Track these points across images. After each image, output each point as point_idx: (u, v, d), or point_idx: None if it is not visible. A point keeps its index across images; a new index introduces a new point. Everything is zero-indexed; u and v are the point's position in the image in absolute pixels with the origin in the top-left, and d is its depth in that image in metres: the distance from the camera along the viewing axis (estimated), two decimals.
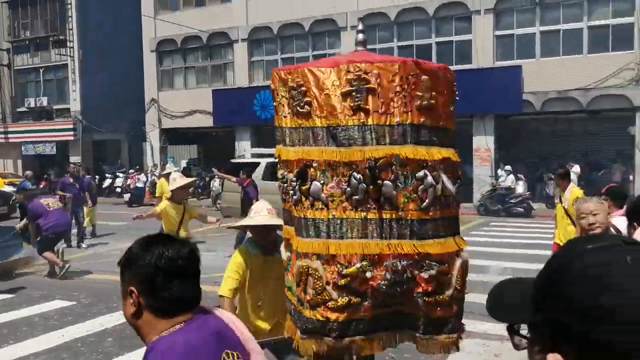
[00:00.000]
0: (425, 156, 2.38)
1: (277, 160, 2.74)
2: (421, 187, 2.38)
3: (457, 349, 2.56)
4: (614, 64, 16.26)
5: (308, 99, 2.45)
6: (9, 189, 18.52)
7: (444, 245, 2.44)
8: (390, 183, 2.35)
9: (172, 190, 6.58)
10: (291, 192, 2.54)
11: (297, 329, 2.54)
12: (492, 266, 8.41)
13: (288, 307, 2.71)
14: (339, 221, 2.39)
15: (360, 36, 2.67)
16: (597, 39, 16.87)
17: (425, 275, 2.38)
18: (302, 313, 2.48)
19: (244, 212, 10.61)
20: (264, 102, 20.68)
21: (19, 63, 27.68)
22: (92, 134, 25.80)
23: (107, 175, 24.17)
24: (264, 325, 3.41)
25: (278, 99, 2.63)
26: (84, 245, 11.92)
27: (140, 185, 21.69)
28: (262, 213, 3.38)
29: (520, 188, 16.46)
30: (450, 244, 2.47)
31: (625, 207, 5.78)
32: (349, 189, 2.37)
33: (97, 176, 21.78)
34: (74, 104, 25.87)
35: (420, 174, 2.38)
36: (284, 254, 2.74)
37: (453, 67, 2.62)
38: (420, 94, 2.38)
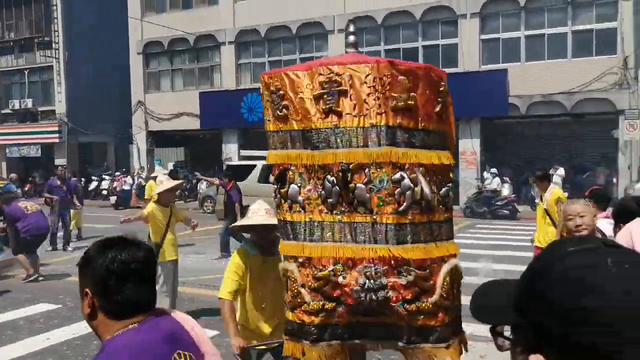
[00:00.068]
0: (401, 158, 2.30)
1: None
2: (398, 190, 2.30)
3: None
4: (598, 68, 16.49)
5: (285, 102, 2.46)
6: None
7: (425, 251, 2.33)
8: (363, 186, 2.30)
9: (159, 193, 6.55)
10: (272, 195, 2.59)
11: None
12: (480, 268, 8.47)
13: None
14: (315, 224, 2.39)
15: (352, 38, 2.61)
16: (581, 43, 17.09)
17: (402, 281, 2.29)
18: (286, 314, 2.53)
19: (227, 215, 10.59)
20: (251, 105, 20.64)
21: (3, 64, 27.32)
22: (77, 136, 25.53)
23: (93, 177, 23.94)
24: (265, 326, 3.36)
25: (264, 103, 2.64)
26: (69, 248, 11.80)
27: (126, 187, 21.50)
28: (259, 213, 3.33)
29: (506, 191, 16.61)
30: (432, 250, 2.36)
31: (609, 209, 5.88)
32: (324, 192, 2.37)
33: (82, 179, 21.56)
34: (60, 106, 25.59)
35: (397, 176, 2.31)
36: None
37: None
38: (395, 95, 2.29)
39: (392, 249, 2.29)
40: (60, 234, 11.89)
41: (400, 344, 2.39)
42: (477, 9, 18.01)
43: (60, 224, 11.99)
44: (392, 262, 2.28)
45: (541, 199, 7.01)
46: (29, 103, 26.13)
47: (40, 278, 8.90)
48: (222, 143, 22.12)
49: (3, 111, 27.07)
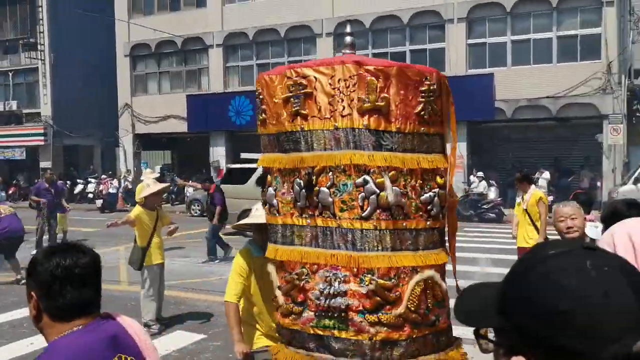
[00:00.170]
0: (366, 162, 2.20)
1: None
2: (361, 194, 2.20)
3: None
4: (582, 73, 16.70)
5: (263, 106, 2.48)
6: None
7: (390, 260, 2.20)
8: (326, 190, 2.24)
9: (145, 197, 6.51)
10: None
11: None
12: (470, 272, 8.52)
13: None
14: (287, 227, 2.39)
15: (348, 39, 2.57)
16: (565, 48, 17.31)
17: (363, 290, 2.18)
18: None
19: (211, 218, 10.56)
20: (238, 108, 20.60)
21: None
22: (63, 139, 25.26)
23: (78, 181, 23.70)
24: (269, 327, 3.31)
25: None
26: None
27: (113, 191, 21.32)
28: (260, 211, 3.34)
29: (492, 194, 16.75)
30: (400, 259, 2.22)
31: (592, 212, 5.96)
32: (293, 195, 2.36)
33: (68, 182, 21.33)
34: (45, 108, 25.31)
35: (360, 180, 2.21)
36: None
37: None
38: (362, 96, 2.20)
39: (353, 256, 2.19)
40: (45, 237, 11.75)
41: None
42: (464, 14, 18.17)
43: (46, 227, 11.85)
44: (354, 269, 2.19)
45: (522, 199, 7.14)
46: (14, 105, 25.81)
47: (22, 282, 8.78)
48: (209, 146, 22.03)
49: None
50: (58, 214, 12.39)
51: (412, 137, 2.28)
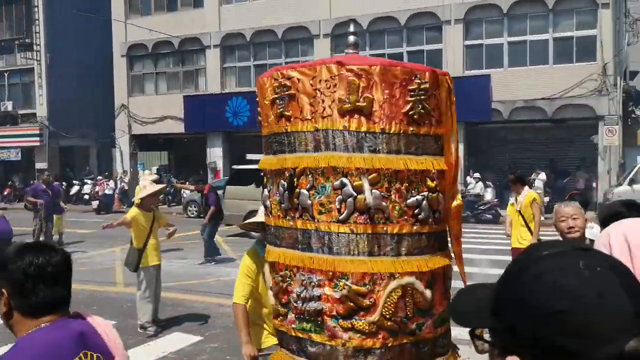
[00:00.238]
0: (344, 164, 2.15)
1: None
2: (339, 197, 2.16)
3: None
4: (578, 74, 16.77)
5: (259, 108, 2.51)
6: None
7: (367, 265, 2.14)
8: (306, 192, 2.23)
9: (141, 198, 6.50)
10: None
11: None
12: (467, 273, 8.54)
13: None
14: (277, 228, 2.40)
15: (352, 38, 2.52)
16: (561, 50, 17.38)
17: (337, 295, 2.14)
18: None
19: (209, 219, 10.53)
20: (236, 109, 20.59)
21: None
22: (58, 140, 25.19)
23: (74, 182, 23.63)
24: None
25: None
26: None
27: (109, 192, 21.27)
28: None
29: (489, 195, 16.79)
30: (378, 264, 2.15)
31: (587, 213, 5.97)
32: (279, 197, 2.37)
33: (63, 183, 21.27)
34: (41, 109, 25.23)
35: (337, 183, 2.17)
36: None
37: None
38: (343, 96, 2.15)
39: (328, 259, 2.17)
40: (41, 238, 11.71)
41: None
42: (461, 15, 18.21)
43: (44, 229, 11.82)
44: (330, 273, 2.16)
45: (516, 201, 7.14)
46: (9, 106, 25.72)
47: None
48: (206, 147, 22.01)
49: None
50: (54, 215, 12.35)
51: (398, 138, 2.18)
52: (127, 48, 23.47)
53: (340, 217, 2.16)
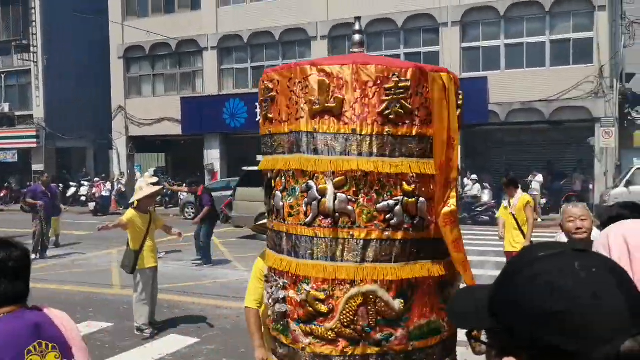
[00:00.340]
0: (312, 166, 2.11)
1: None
2: (305, 200, 2.14)
3: None
4: (575, 76, 16.82)
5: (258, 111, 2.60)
6: None
7: (326, 270, 2.09)
8: (279, 194, 2.24)
9: (138, 200, 6.48)
10: None
11: None
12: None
13: None
14: (270, 231, 2.46)
15: (357, 37, 2.48)
16: (558, 52, 17.43)
17: (298, 298, 2.14)
18: None
19: (203, 219, 10.52)
20: (233, 111, 20.59)
21: None
22: (55, 141, 25.15)
23: (71, 183, 23.59)
24: None
25: None
26: (47, 255, 11.60)
27: (106, 194, 21.24)
28: None
29: (486, 197, 16.82)
30: (336, 270, 2.08)
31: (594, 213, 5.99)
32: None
33: (60, 185, 21.23)
34: (37, 111, 25.19)
35: (304, 185, 2.14)
36: None
37: None
38: (314, 98, 2.11)
39: (292, 262, 2.17)
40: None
41: None
42: (458, 17, 18.26)
43: (36, 230, 11.78)
44: (294, 276, 2.16)
45: (509, 204, 7.13)
46: (6, 107, 25.67)
47: None
48: (203, 149, 21.99)
49: None
50: (52, 217, 12.32)
51: (371, 140, 2.08)
52: (124, 50, 23.45)
53: (306, 221, 2.13)
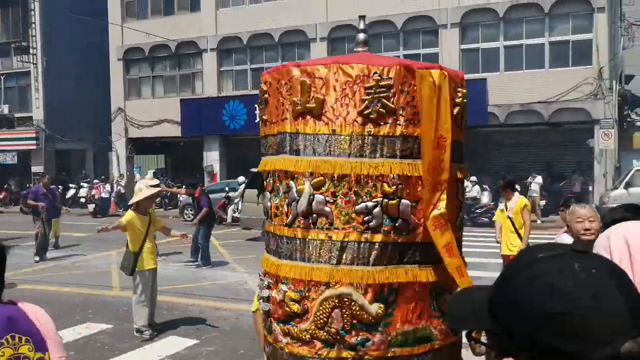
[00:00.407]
0: (294, 167, 2.12)
1: None
2: (287, 200, 2.16)
3: None
4: (574, 78, 16.83)
5: None
6: None
7: (302, 271, 2.10)
8: (268, 194, 2.29)
9: (137, 201, 6.47)
10: None
11: None
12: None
13: None
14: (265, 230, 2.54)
15: (361, 36, 2.47)
16: (557, 54, 17.45)
17: (277, 298, 2.17)
18: None
19: (201, 220, 10.52)
20: (232, 112, 20.59)
21: None
22: (55, 143, 25.14)
23: (70, 185, 23.58)
24: None
25: None
26: (46, 257, 11.58)
27: (105, 195, 21.23)
28: None
29: (485, 198, 16.83)
30: (310, 271, 2.08)
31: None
32: None
33: (60, 186, 21.22)
34: (37, 112, 25.19)
35: (285, 186, 2.16)
36: None
37: None
38: (295, 99, 2.11)
39: (274, 263, 2.22)
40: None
41: None
42: (457, 19, 18.28)
43: (35, 232, 11.76)
44: (275, 276, 2.20)
45: (506, 207, 7.08)
46: (5, 109, 25.67)
47: None
48: (203, 150, 21.99)
49: None
50: (52, 219, 12.32)
51: (350, 140, 2.04)
52: (123, 51, 23.47)
53: (287, 221, 2.15)
